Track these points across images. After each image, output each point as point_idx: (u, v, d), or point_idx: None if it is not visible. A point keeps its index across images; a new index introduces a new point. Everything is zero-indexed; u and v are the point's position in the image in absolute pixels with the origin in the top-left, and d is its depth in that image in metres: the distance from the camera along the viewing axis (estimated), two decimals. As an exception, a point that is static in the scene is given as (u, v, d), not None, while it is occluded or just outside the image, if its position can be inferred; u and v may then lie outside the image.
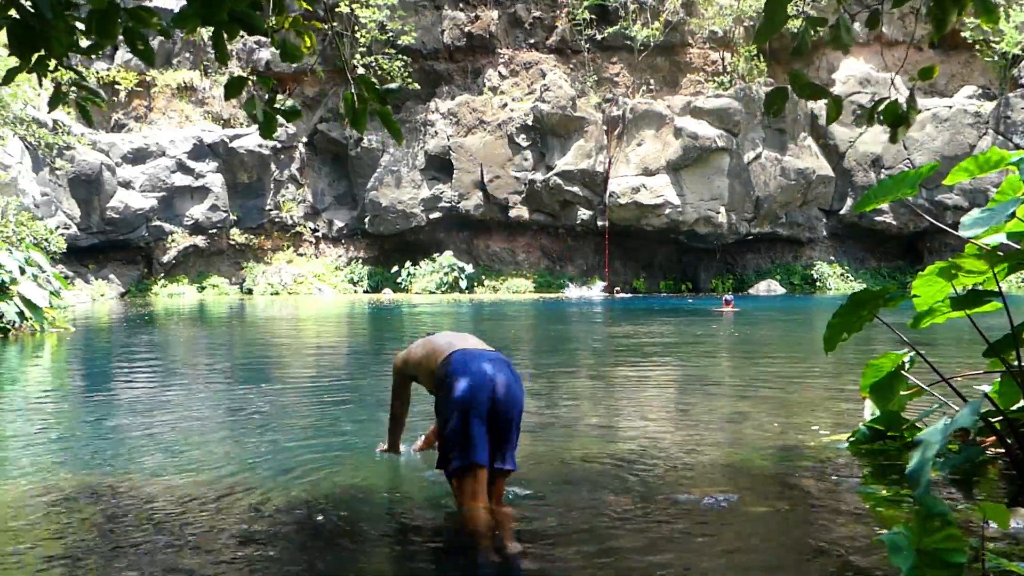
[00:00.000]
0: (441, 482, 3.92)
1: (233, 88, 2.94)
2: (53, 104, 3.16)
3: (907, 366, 4.23)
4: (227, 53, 2.89)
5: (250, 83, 3.07)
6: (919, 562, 2.23)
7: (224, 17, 2.60)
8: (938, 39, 2.71)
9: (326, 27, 26.11)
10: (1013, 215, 3.54)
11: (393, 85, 3.20)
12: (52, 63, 2.77)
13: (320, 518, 3.40)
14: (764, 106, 3.02)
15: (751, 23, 25.30)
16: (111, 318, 16.68)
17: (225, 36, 2.75)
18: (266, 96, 3.04)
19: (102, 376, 8.39)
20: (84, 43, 2.79)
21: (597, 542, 3.07)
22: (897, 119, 2.82)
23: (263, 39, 26.70)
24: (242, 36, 27.22)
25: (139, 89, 25.60)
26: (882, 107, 2.83)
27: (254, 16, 2.70)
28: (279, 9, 3.06)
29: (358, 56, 25.40)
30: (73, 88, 3.18)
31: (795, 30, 2.90)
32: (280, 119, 3.09)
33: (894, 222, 25.11)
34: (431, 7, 26.82)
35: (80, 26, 2.68)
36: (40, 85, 3.24)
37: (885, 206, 24.00)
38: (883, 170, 24.72)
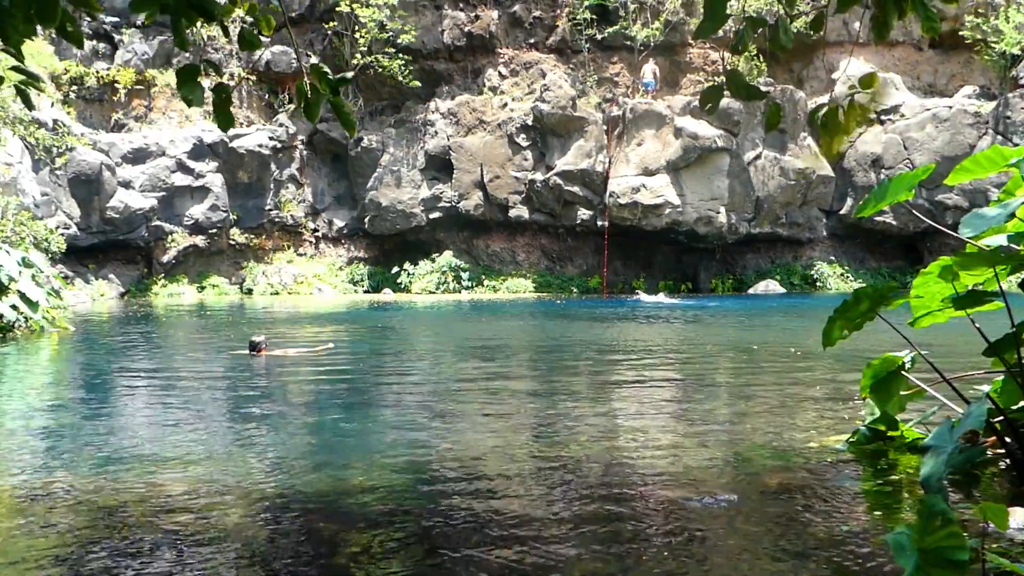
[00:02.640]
0: (441, 482, 3.92)
1: (186, 77, 2.92)
2: None
3: (907, 367, 4.23)
4: (185, 39, 2.88)
5: (203, 72, 3.03)
6: (922, 561, 2.24)
7: (179, 3, 2.60)
8: (883, 38, 2.72)
9: (326, 26, 26.14)
10: (1012, 215, 3.55)
11: (347, 74, 3.17)
12: None
13: (321, 517, 3.40)
14: (699, 103, 3.02)
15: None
16: (111, 318, 16.67)
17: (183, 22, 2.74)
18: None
19: (101, 376, 8.39)
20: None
21: (596, 542, 3.07)
22: (836, 127, 2.82)
23: (263, 38, 26.66)
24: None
25: (139, 89, 25.58)
26: (822, 112, 2.84)
27: (209, 2, 2.70)
28: None
29: (358, 56, 25.40)
30: (13, 73, 3.14)
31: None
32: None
33: (894, 222, 25.10)
34: (431, 7, 26.80)
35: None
36: None
37: (885, 207, 24.00)
38: (883, 170, 24.71)
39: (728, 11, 2.85)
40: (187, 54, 25.88)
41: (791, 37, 2.79)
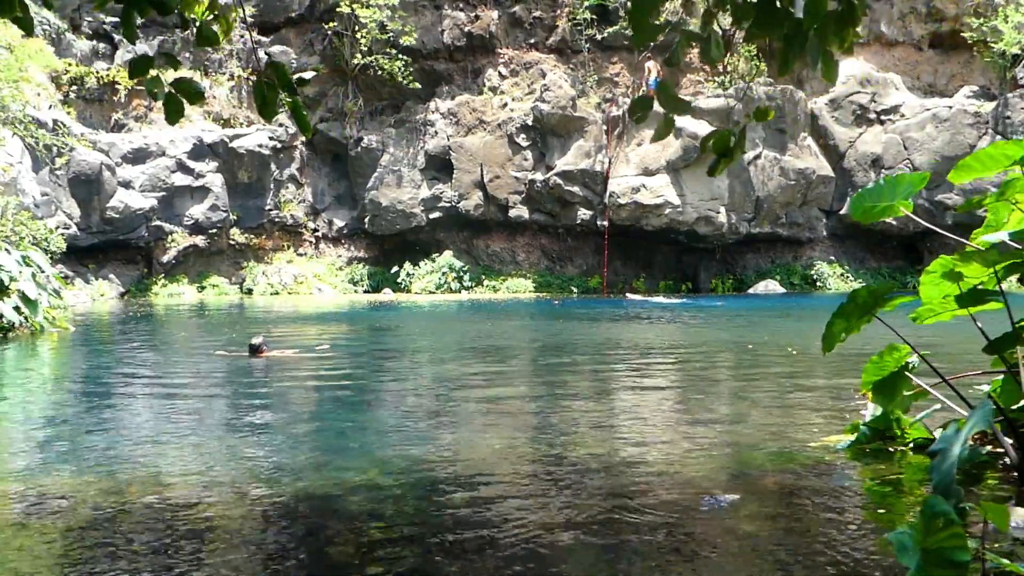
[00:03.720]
0: (441, 482, 3.91)
1: (139, 67, 2.91)
2: None
3: (911, 367, 4.22)
4: (135, 31, 2.86)
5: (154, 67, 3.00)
6: (924, 561, 2.24)
7: None
8: (783, 74, 2.77)
9: (326, 26, 26.12)
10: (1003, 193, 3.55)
11: (306, 75, 3.14)
12: None
13: (320, 517, 3.40)
14: (628, 112, 3.09)
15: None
16: (111, 318, 16.67)
17: (136, 16, 2.73)
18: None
19: (101, 376, 8.39)
20: None
21: (596, 542, 3.06)
22: (725, 151, 2.89)
23: (263, 39, 26.61)
24: (241, 36, 27.05)
25: (139, 89, 25.55)
26: (713, 139, 2.91)
27: None
28: None
29: (358, 56, 25.39)
30: None
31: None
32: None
33: (894, 222, 25.06)
34: (431, 7, 26.80)
35: None
36: None
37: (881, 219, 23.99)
38: (883, 170, 24.71)
39: (659, 22, 2.91)
40: (187, 51, 25.89)
41: (721, 52, 2.84)
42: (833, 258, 26.38)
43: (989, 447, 4.16)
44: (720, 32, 2.81)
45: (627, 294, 24.25)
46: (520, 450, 4.58)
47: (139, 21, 2.89)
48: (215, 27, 3.04)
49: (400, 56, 25.51)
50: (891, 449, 4.40)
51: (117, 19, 25.76)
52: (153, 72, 2.92)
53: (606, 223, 24.90)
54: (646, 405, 6.19)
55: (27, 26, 2.80)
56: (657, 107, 2.99)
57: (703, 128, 23.75)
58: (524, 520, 3.30)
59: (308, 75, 3.17)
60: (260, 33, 26.39)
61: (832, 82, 2.84)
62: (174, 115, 2.98)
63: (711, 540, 3.08)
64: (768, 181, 24.84)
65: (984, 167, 3.81)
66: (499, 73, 26.95)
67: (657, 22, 2.78)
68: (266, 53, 25.55)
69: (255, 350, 9.09)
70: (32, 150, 21.14)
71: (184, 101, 2.97)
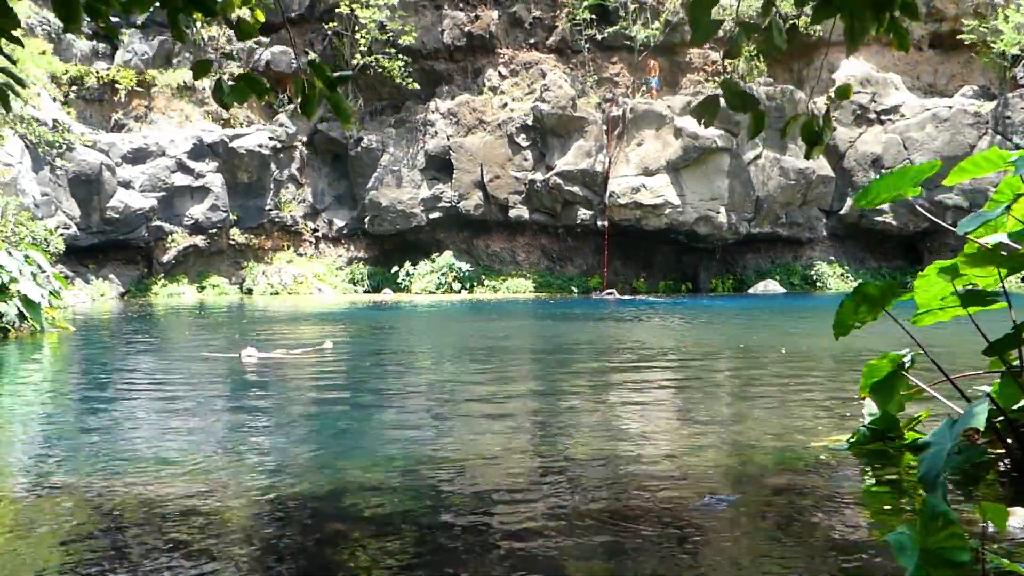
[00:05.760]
0: (441, 482, 3.92)
1: (201, 69, 2.95)
2: None
3: (907, 366, 4.23)
4: (184, 33, 2.90)
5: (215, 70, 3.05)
6: (923, 561, 2.24)
7: None
8: (855, 49, 2.76)
9: (326, 26, 26.14)
10: (1008, 209, 3.55)
11: (346, 72, 3.19)
12: None
13: (320, 517, 3.40)
14: (695, 116, 3.05)
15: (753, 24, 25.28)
16: (111, 318, 16.68)
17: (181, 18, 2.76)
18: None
19: (102, 376, 8.39)
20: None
21: (596, 542, 3.07)
22: (814, 137, 2.86)
23: (262, 39, 26.62)
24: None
25: (139, 89, 25.58)
26: (799, 123, 2.88)
27: None
28: None
29: (358, 56, 25.39)
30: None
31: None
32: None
33: (894, 222, 25.10)
34: (431, 7, 26.81)
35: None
36: None
37: (885, 206, 24.01)
38: (883, 170, 24.72)
39: (720, 17, 2.90)
40: (188, 51, 25.92)
41: (784, 39, 2.81)
42: (833, 258, 26.38)
43: (989, 447, 4.16)
44: (781, 20, 2.80)
45: (597, 294, 24.44)
46: (519, 450, 4.58)
47: (139, 20, 2.90)
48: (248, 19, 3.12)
49: (400, 56, 25.51)
50: (891, 449, 4.40)
51: (117, 19, 25.78)
52: (214, 75, 2.97)
53: (606, 223, 24.91)
54: (645, 404, 6.20)
55: (111, 31, 2.83)
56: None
57: (703, 128, 23.76)
58: (524, 520, 3.30)
59: (348, 73, 3.23)
60: (260, 33, 26.39)
61: (907, 50, 2.83)
62: (240, 98, 2.95)
63: (711, 540, 3.08)
64: (768, 181, 24.84)
65: (980, 169, 3.83)
66: (499, 73, 26.96)
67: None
68: (270, 53, 25.59)
69: (248, 355, 9.03)
70: (32, 150, 21.15)
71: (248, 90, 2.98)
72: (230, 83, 2.90)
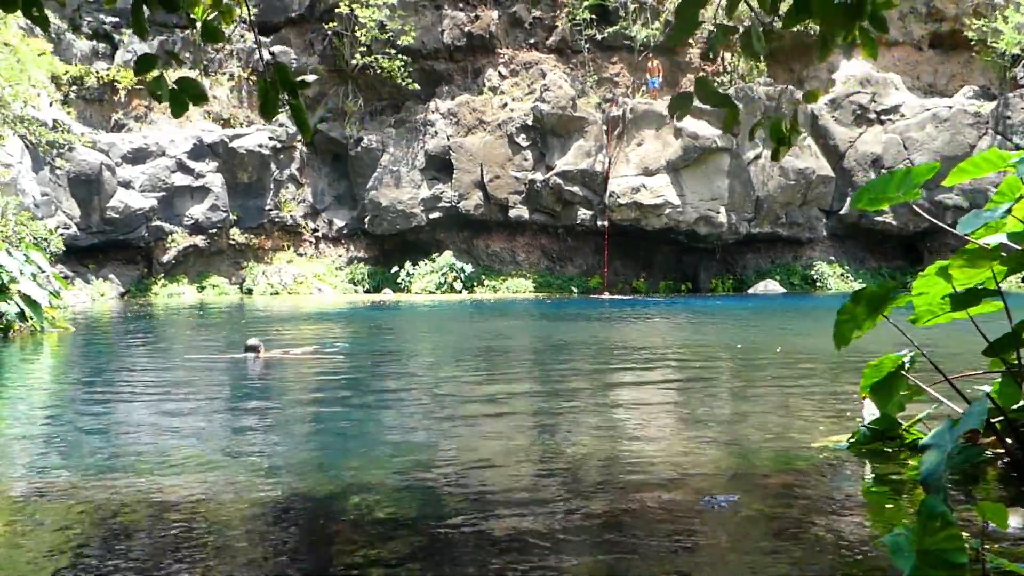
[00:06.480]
0: (441, 482, 3.92)
1: (144, 65, 2.92)
2: None
3: (907, 366, 4.23)
4: (145, 26, 2.87)
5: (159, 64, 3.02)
6: (921, 563, 2.24)
7: None
8: (824, 58, 2.78)
9: (326, 26, 26.12)
10: (1009, 211, 3.55)
11: (309, 77, 3.15)
12: None
13: (320, 517, 3.40)
14: (668, 110, 3.08)
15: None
16: (111, 318, 16.68)
17: (145, 10, 2.74)
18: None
19: (102, 375, 8.39)
20: None
21: (596, 542, 3.07)
22: (781, 138, 2.87)
23: (263, 39, 26.61)
24: (242, 36, 27.05)
25: (139, 89, 25.55)
26: (769, 123, 2.90)
27: None
28: None
29: (358, 56, 25.39)
30: None
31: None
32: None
33: (894, 222, 25.10)
34: (431, 7, 26.80)
35: None
36: None
37: (886, 206, 24.01)
38: (883, 170, 24.70)
39: (701, 18, 2.90)
40: (188, 51, 25.89)
41: (763, 45, 2.82)
42: (833, 258, 26.37)
43: (989, 447, 4.16)
44: (760, 24, 2.80)
45: (598, 295, 24.60)
46: (519, 450, 4.59)
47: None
48: (218, 23, 3.06)
49: (400, 56, 25.51)
50: (891, 449, 4.40)
51: (117, 19, 25.80)
52: (156, 72, 2.92)
53: (606, 223, 24.90)
54: (645, 404, 6.20)
55: (44, 23, 2.81)
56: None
57: (703, 128, 23.76)
58: (523, 520, 3.31)
59: (310, 78, 3.19)
60: (260, 33, 26.39)
61: (875, 59, 2.85)
62: (180, 109, 2.98)
63: (711, 540, 3.09)
64: (768, 181, 24.84)
65: (979, 170, 3.84)
66: (499, 73, 26.95)
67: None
68: (270, 53, 25.58)
69: (252, 350, 9.06)
70: (32, 150, 21.15)
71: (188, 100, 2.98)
72: (171, 87, 2.87)
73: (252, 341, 9.18)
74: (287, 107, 3.06)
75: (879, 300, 3.91)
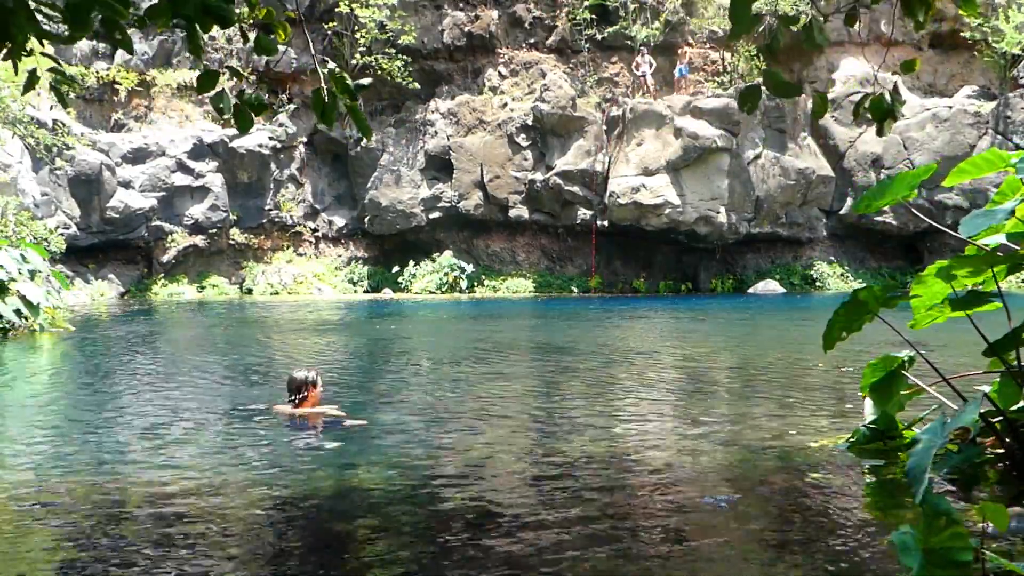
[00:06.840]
0: (442, 482, 3.92)
1: (207, 81, 2.93)
2: (27, 88, 3.15)
3: (907, 366, 4.23)
4: (200, 46, 2.87)
5: (223, 76, 3.03)
6: (926, 561, 2.24)
7: (195, 10, 2.59)
8: (920, 32, 2.81)
9: (326, 26, 26.13)
10: (1012, 213, 3.55)
11: (364, 81, 3.17)
12: (29, 48, 2.76)
13: (321, 517, 3.40)
14: (738, 103, 3.06)
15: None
16: (111, 318, 16.67)
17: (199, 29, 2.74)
18: (246, 90, 3.00)
19: (102, 375, 8.39)
20: (54, 30, 2.77)
21: (596, 542, 3.07)
22: (884, 113, 2.87)
23: (279, 46, 26.72)
24: (241, 38, 27.29)
25: (139, 89, 25.56)
26: (867, 102, 2.89)
27: (226, 8, 2.69)
28: (250, 3, 3.05)
29: (358, 56, 25.39)
30: (49, 73, 3.16)
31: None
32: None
33: (894, 222, 25.09)
34: (431, 7, 26.79)
35: (52, 14, 2.67)
36: (15, 72, 3.22)
37: (886, 206, 24.01)
38: (883, 170, 24.70)
39: (755, 11, 2.89)
40: (204, 61, 25.93)
41: (826, 36, 2.83)
42: (833, 258, 26.37)
43: (988, 447, 4.16)
44: (821, 17, 2.81)
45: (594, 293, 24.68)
46: (519, 450, 4.59)
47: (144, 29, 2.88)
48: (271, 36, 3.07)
49: (400, 56, 25.50)
50: (891, 449, 4.40)
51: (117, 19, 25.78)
52: (218, 87, 2.93)
53: (604, 222, 24.89)
54: (645, 405, 6.19)
55: (128, 46, 2.81)
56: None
57: (703, 128, 23.75)
58: (524, 520, 3.31)
59: (366, 81, 3.23)
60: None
61: (975, 16, 2.89)
62: (246, 124, 3.01)
63: (711, 540, 3.08)
64: (768, 181, 24.83)
65: (979, 170, 3.84)
66: (499, 73, 26.95)
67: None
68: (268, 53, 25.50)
69: (299, 389, 5.75)
70: (32, 150, 21.14)
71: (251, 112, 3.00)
72: (233, 101, 2.88)
73: (299, 373, 5.91)
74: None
75: (871, 303, 3.91)
